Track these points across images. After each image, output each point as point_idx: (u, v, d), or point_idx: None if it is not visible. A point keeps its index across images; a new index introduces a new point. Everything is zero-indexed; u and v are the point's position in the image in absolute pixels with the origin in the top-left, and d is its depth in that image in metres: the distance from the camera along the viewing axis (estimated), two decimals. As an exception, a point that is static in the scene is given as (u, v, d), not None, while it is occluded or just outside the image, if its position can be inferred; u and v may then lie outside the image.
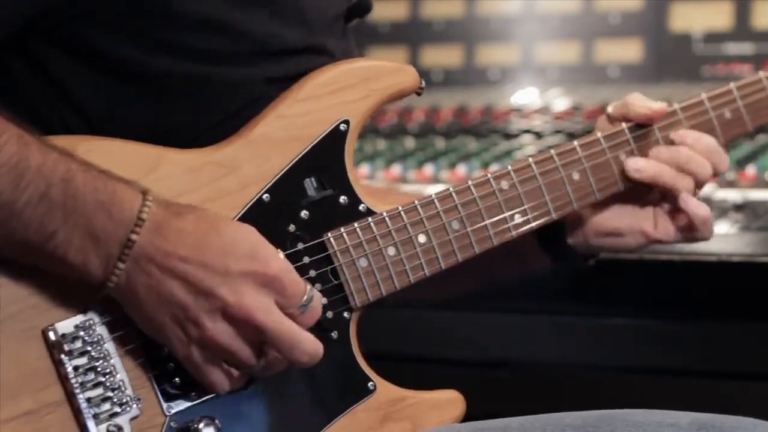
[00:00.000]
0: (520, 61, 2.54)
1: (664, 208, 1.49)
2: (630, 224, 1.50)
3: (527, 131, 2.31)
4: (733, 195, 1.92)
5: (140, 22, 1.27)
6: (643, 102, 1.47)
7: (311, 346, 1.22)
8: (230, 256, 1.19)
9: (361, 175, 2.21)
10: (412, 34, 2.65)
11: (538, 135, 2.29)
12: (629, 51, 2.44)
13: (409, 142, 2.39)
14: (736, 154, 2.06)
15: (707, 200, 1.93)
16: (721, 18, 2.36)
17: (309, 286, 1.23)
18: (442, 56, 2.62)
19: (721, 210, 1.90)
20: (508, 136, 2.31)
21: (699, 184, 1.48)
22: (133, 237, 1.18)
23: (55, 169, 1.18)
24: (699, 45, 2.37)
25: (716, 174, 1.49)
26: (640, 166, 1.46)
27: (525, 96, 2.47)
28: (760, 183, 1.97)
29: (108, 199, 1.18)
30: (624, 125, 1.47)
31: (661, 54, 2.42)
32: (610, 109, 1.50)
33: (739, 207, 1.90)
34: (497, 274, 1.55)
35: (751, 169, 1.99)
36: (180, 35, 1.28)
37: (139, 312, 1.20)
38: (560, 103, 2.39)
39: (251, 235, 1.22)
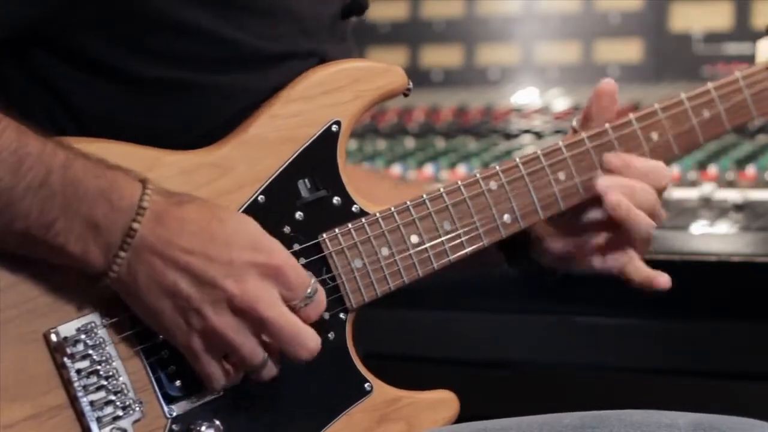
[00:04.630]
0: (520, 61, 2.54)
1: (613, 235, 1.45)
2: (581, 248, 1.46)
3: (527, 131, 2.31)
4: (733, 195, 1.92)
5: (137, 31, 1.27)
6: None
7: (311, 340, 1.22)
8: (233, 247, 1.19)
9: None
10: (412, 34, 2.65)
11: (538, 135, 2.29)
12: (629, 51, 2.45)
13: (409, 142, 2.39)
14: (736, 154, 2.07)
15: (707, 200, 1.94)
16: (721, 18, 2.36)
17: (313, 279, 1.23)
18: (442, 56, 2.62)
19: (721, 210, 1.90)
20: (508, 136, 2.31)
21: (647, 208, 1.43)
22: (135, 225, 1.17)
23: (54, 155, 1.17)
24: (699, 45, 2.37)
25: (660, 192, 1.44)
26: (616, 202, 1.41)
27: (525, 96, 2.47)
28: (760, 183, 1.97)
29: (108, 185, 1.17)
30: (607, 125, 1.46)
31: (661, 54, 2.42)
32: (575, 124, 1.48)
33: (739, 207, 1.89)
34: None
35: (751, 169, 1.99)
36: (176, 44, 1.28)
37: (140, 302, 1.20)
38: (560, 103, 2.39)
39: (252, 225, 1.22)
